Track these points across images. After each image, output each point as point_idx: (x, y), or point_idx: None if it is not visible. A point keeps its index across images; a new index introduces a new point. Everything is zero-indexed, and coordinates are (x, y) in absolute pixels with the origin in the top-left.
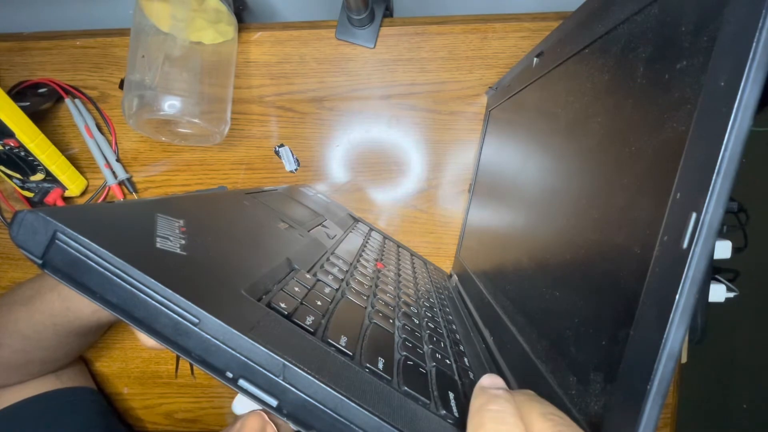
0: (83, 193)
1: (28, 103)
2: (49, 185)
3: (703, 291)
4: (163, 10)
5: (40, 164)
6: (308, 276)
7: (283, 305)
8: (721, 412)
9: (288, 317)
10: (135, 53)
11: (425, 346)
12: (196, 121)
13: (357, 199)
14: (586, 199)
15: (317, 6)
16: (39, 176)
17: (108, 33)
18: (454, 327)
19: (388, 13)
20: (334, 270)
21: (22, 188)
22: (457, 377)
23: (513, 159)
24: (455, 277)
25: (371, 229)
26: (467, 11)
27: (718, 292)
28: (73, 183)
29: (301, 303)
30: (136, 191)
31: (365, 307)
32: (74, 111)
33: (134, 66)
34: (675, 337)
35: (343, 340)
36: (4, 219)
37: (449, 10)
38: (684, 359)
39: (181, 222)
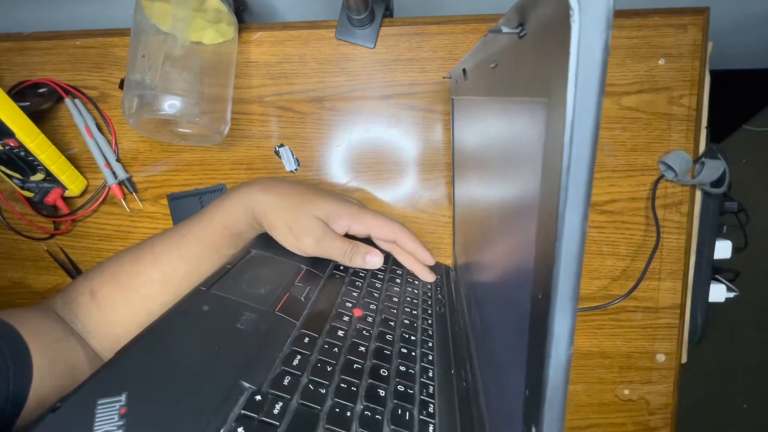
0: (83, 193)
1: (28, 103)
2: (49, 185)
3: (703, 291)
4: (163, 10)
5: (40, 164)
6: (258, 398)
7: None
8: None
9: None
10: (135, 53)
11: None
12: (197, 120)
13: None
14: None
15: (317, 6)
16: (39, 176)
17: (108, 33)
18: (431, 359)
19: (388, 13)
20: (296, 361)
21: (22, 188)
22: None
23: (469, 147)
24: (452, 273)
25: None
26: (467, 11)
27: (718, 292)
28: (73, 183)
29: None
30: (136, 191)
31: (320, 409)
32: (74, 111)
33: (134, 66)
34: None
35: None
36: (3, 219)
37: (449, 10)
38: (684, 359)
39: (123, 399)
